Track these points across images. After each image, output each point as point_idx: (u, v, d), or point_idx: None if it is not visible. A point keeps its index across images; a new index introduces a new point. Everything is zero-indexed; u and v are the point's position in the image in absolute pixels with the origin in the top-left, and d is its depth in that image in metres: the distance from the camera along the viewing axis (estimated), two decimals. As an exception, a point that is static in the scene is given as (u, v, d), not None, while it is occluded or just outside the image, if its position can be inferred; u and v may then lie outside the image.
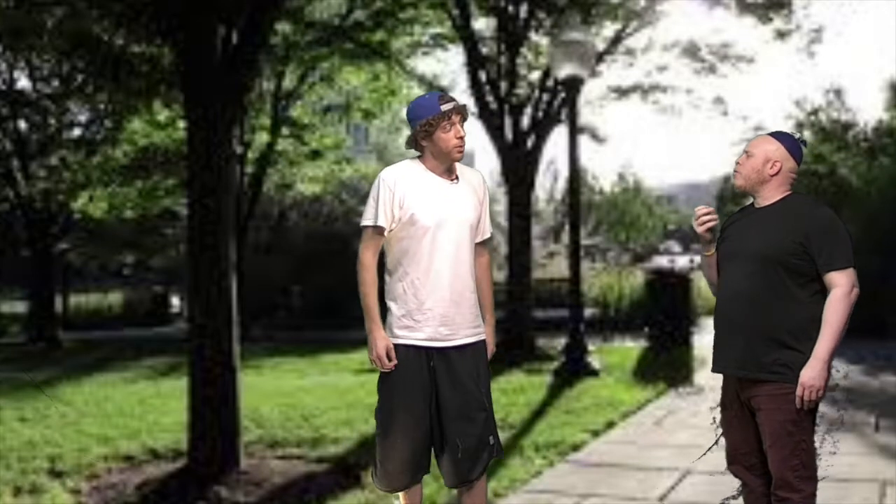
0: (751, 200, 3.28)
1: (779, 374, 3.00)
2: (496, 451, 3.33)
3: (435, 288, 3.22)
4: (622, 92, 14.67)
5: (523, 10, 12.81)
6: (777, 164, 3.12)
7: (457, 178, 3.31)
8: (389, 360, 3.19)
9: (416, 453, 3.25)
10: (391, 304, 3.28)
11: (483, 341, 3.36)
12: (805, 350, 2.98)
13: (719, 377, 3.30)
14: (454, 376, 3.22)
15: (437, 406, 3.24)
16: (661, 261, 22.91)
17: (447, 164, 3.29)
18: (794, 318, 3.01)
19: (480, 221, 3.38)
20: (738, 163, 3.20)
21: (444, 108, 3.19)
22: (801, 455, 3.02)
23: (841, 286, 2.98)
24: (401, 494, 3.38)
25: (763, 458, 3.14)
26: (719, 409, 3.32)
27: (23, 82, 18.41)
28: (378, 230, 3.23)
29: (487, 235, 3.44)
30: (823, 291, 3.03)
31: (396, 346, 3.22)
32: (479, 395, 3.25)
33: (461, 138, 3.22)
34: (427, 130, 3.21)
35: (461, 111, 3.24)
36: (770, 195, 3.15)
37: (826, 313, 2.97)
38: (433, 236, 3.22)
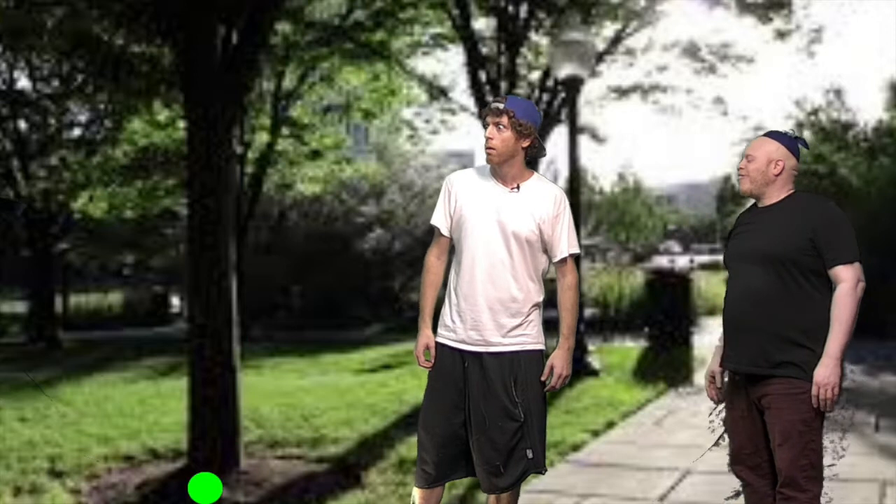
0: (752, 201, 3.27)
1: (791, 370, 2.99)
2: (535, 466, 3.23)
3: (470, 291, 3.22)
4: (622, 92, 14.69)
5: (523, 10, 12.82)
6: (780, 163, 3.13)
7: (517, 187, 3.23)
8: (427, 358, 3.27)
9: (447, 448, 3.24)
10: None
11: (528, 353, 3.24)
12: (817, 349, 2.97)
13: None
14: (485, 382, 3.19)
15: (469, 409, 3.22)
16: (661, 261, 22.92)
17: (493, 166, 3.25)
18: (807, 317, 3.00)
19: (550, 239, 3.23)
20: (740, 168, 3.20)
21: (486, 108, 3.29)
22: (811, 455, 3.02)
23: (846, 281, 2.98)
24: (417, 494, 3.36)
25: (768, 457, 3.13)
26: (724, 408, 3.31)
27: (23, 82, 18.43)
28: (438, 229, 3.32)
29: (565, 254, 3.25)
30: (833, 290, 3.02)
31: (437, 343, 3.28)
32: (511, 405, 3.16)
33: (488, 139, 3.19)
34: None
35: (490, 112, 3.21)
36: (775, 195, 3.15)
37: (834, 310, 2.97)
38: (475, 239, 3.22)
